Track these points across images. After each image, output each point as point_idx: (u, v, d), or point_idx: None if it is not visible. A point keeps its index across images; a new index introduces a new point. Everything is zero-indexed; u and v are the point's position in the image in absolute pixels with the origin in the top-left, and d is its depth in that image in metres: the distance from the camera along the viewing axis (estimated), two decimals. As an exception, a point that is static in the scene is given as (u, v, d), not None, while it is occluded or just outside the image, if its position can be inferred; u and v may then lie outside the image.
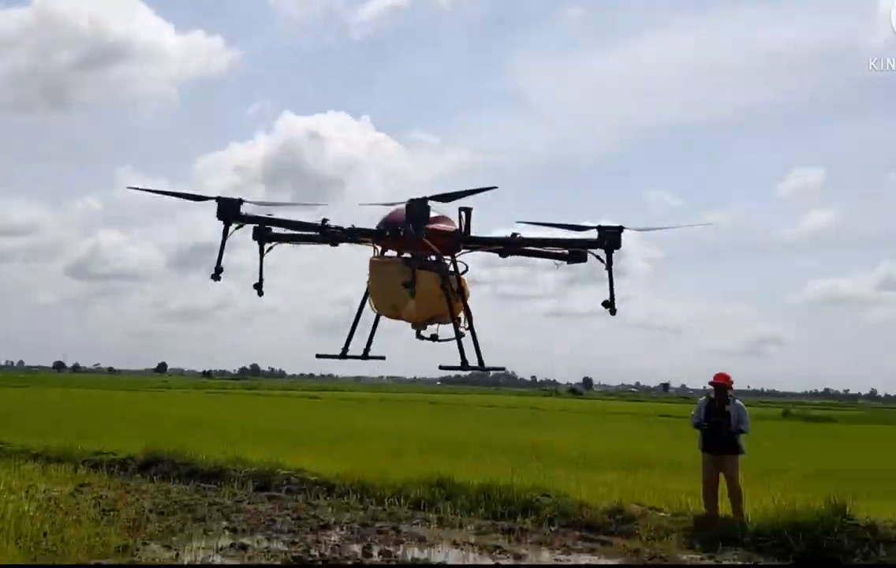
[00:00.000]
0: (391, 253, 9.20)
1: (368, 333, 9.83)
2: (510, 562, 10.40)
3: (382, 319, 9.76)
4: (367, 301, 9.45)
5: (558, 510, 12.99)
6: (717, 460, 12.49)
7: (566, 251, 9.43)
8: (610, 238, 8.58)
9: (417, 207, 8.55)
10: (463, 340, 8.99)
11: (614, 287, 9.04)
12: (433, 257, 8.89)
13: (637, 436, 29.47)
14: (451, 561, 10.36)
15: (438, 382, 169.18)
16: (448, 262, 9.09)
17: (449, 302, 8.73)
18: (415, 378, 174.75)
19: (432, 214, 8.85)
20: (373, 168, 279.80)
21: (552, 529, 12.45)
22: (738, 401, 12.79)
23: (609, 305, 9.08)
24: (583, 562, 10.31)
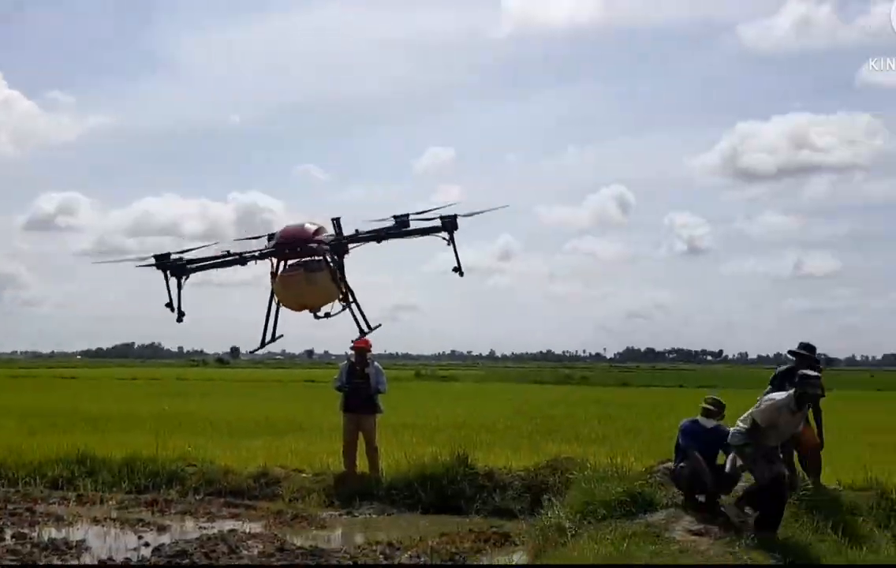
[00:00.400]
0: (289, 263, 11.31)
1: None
2: (154, 534, 10.40)
3: None
4: (273, 301, 11.46)
5: (204, 479, 13.12)
6: (357, 420, 13.28)
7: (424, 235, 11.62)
8: (450, 224, 10.99)
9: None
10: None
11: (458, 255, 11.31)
12: (322, 259, 11.21)
13: (283, 402, 30.02)
14: (91, 537, 10.15)
15: (79, 356, 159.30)
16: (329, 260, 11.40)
17: (340, 288, 11.22)
18: (52, 352, 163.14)
19: (312, 228, 11.23)
20: (3, 127, 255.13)
21: (197, 497, 12.56)
22: (376, 363, 13.67)
23: (457, 269, 11.29)
24: (227, 528, 10.55)
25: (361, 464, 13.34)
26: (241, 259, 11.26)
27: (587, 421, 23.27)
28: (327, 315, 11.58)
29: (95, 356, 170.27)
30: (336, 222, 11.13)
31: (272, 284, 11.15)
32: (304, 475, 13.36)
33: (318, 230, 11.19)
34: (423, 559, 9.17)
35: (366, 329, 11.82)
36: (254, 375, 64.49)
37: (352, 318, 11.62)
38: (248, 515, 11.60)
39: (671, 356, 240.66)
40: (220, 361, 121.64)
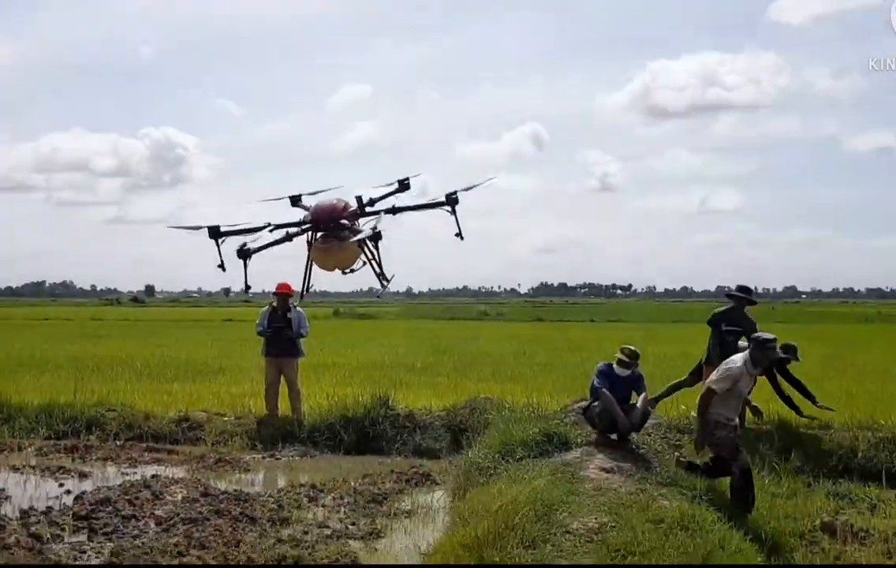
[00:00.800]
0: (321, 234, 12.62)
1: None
2: (75, 481, 10.38)
3: None
4: (310, 263, 12.82)
5: (124, 424, 13.03)
6: (279, 363, 13.39)
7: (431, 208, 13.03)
8: (453, 200, 12.43)
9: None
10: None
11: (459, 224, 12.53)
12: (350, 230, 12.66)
13: (201, 343, 29.74)
14: (10, 486, 10.07)
15: None
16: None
17: (364, 250, 12.63)
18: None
19: (336, 200, 12.74)
20: None
21: (118, 443, 12.48)
22: (299, 308, 13.76)
23: (458, 234, 12.52)
24: (149, 473, 10.58)
25: (283, 406, 13.47)
26: (288, 236, 12.96)
27: (503, 358, 23.76)
28: (352, 271, 13.20)
29: (5, 295, 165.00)
30: (359, 199, 12.97)
31: (308, 250, 12.88)
32: (225, 419, 13.41)
33: (346, 206, 12.92)
34: (346, 500, 9.37)
35: (385, 283, 13.21)
36: (171, 315, 63.58)
37: (372, 272, 13.18)
38: (170, 459, 11.60)
39: (583, 291, 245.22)
40: (135, 299, 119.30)
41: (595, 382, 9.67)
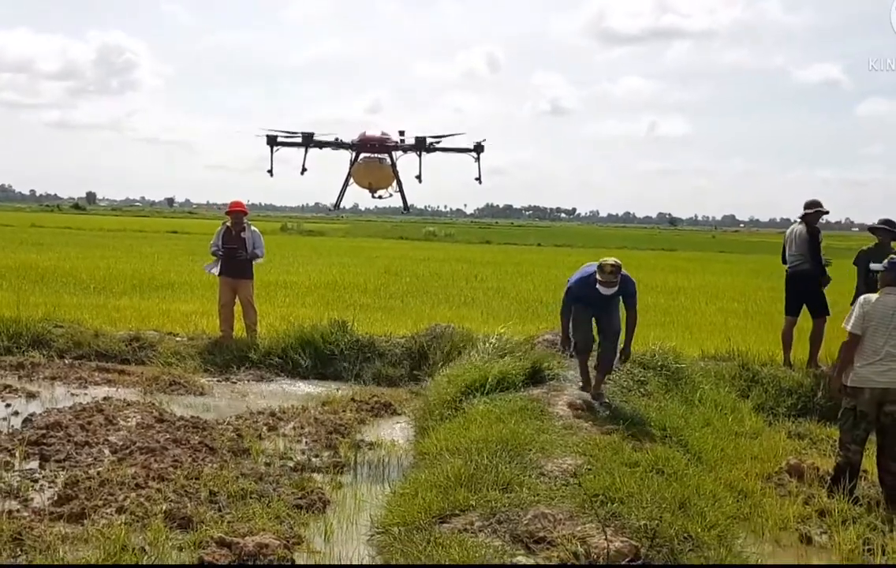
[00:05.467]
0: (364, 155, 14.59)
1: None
2: (22, 402, 9.97)
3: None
4: (349, 178, 14.74)
5: (72, 341, 12.59)
6: (234, 284, 13.03)
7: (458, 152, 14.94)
8: (478, 148, 14.48)
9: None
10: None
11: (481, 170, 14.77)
12: (389, 156, 14.74)
13: (147, 256, 28.99)
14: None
15: None
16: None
17: (396, 177, 14.79)
18: None
19: (385, 136, 14.62)
20: None
21: (66, 362, 12.07)
22: (253, 228, 13.38)
23: (478, 179, 14.83)
24: (101, 395, 10.24)
25: (238, 327, 13.15)
26: (340, 143, 14.71)
27: (455, 281, 23.64)
28: (380, 196, 15.14)
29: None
30: (401, 133, 14.84)
31: (349, 169, 14.68)
32: (178, 339, 13.04)
33: (388, 138, 14.86)
34: (307, 429, 9.16)
35: (408, 208, 15.80)
36: (114, 224, 62.03)
37: (403, 199, 15.38)
38: (121, 380, 11.20)
39: (527, 213, 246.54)
40: (77, 206, 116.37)
41: (570, 307, 8.83)
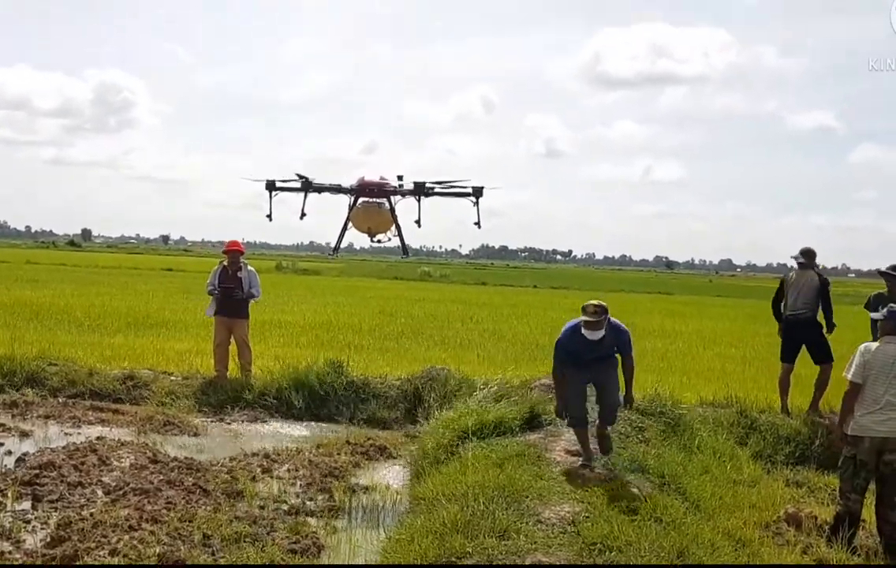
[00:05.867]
0: (362, 199, 13.40)
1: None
2: (15, 441, 9.90)
3: None
4: (348, 222, 13.80)
5: (66, 379, 12.52)
6: (230, 323, 12.99)
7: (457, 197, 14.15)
8: (477, 192, 14.21)
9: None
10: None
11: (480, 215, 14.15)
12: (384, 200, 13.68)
13: (142, 293, 28.94)
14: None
15: None
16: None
17: (395, 221, 13.77)
18: None
19: (383, 181, 13.69)
20: None
21: (59, 400, 12.00)
22: (250, 267, 13.37)
23: (477, 224, 14.96)
24: (94, 434, 10.16)
25: (233, 367, 13.10)
26: (339, 188, 14.61)
27: (450, 323, 23.58)
28: (379, 241, 15.18)
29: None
30: (399, 178, 14.78)
31: (348, 213, 14.66)
32: (172, 378, 12.97)
33: (387, 182, 14.52)
34: (301, 472, 9.09)
35: (407, 252, 14.91)
36: (109, 261, 61.93)
37: (401, 242, 14.95)
38: (115, 420, 11.13)
39: (523, 255, 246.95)
40: (72, 243, 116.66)
41: (557, 367, 8.23)
